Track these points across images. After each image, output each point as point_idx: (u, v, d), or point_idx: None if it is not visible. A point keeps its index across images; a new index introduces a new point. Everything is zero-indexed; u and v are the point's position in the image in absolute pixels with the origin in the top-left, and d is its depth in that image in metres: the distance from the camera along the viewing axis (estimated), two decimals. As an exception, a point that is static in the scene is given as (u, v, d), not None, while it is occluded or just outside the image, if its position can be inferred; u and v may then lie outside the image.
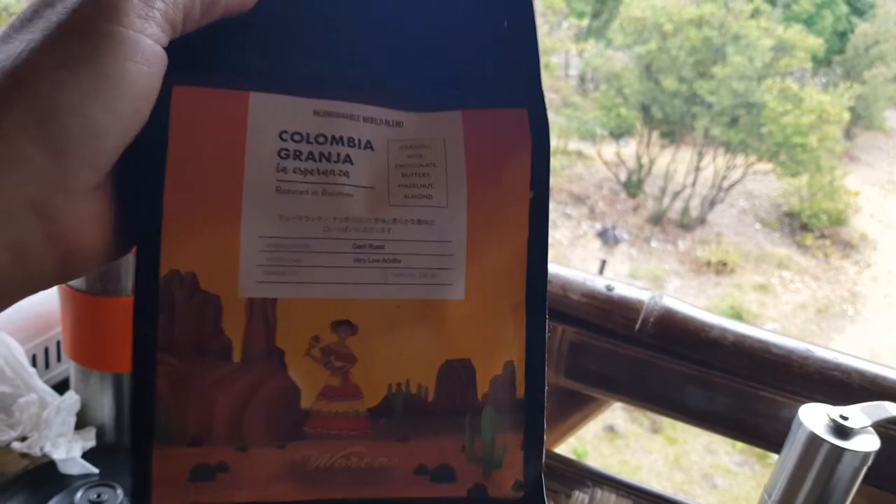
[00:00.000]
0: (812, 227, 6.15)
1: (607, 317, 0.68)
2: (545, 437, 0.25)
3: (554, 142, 7.19)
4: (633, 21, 6.94)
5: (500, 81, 0.26)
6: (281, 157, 0.24)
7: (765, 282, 5.37)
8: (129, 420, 0.23)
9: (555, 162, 6.94)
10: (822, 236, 6.10)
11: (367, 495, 0.24)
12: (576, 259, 5.39)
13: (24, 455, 0.57)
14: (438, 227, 0.25)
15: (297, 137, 0.24)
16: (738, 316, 4.81)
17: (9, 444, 0.57)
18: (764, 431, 0.68)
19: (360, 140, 0.25)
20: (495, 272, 0.25)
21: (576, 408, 0.74)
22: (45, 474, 0.57)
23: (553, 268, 0.70)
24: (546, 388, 0.25)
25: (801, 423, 0.53)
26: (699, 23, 6.61)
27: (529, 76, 0.26)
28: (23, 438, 0.58)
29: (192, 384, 0.23)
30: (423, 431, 0.25)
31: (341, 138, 0.25)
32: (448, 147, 0.25)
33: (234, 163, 0.24)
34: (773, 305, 5.09)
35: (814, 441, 0.51)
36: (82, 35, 0.21)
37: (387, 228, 0.25)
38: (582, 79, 8.35)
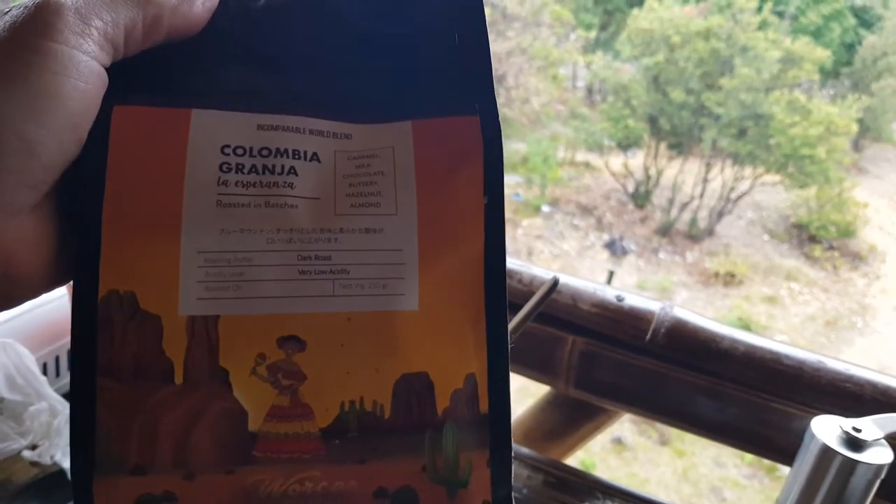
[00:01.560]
0: (820, 239, 6.12)
1: (618, 327, 0.68)
2: (511, 467, 0.24)
3: (561, 153, 7.20)
4: (640, 33, 6.95)
5: (452, 91, 0.25)
6: (222, 171, 0.23)
7: (773, 294, 5.34)
8: (70, 449, 0.22)
9: (562, 173, 6.94)
10: (831, 248, 6.07)
11: None
12: (583, 270, 5.37)
13: (34, 464, 0.57)
14: (387, 236, 0.24)
15: (239, 151, 0.24)
16: (746, 328, 4.77)
17: (19, 452, 0.57)
18: (775, 443, 0.67)
19: (305, 152, 0.24)
20: (451, 281, 0.24)
21: (586, 419, 0.74)
22: (55, 483, 0.57)
23: (563, 278, 0.69)
24: (511, 401, 0.24)
25: (813, 435, 0.53)
26: (707, 35, 6.62)
27: (481, 84, 0.26)
28: (33, 447, 0.58)
29: (133, 409, 0.22)
30: (381, 452, 0.23)
31: (286, 151, 0.24)
32: (397, 156, 0.25)
33: (173, 179, 0.23)
34: (781, 317, 5.06)
35: (826, 453, 0.51)
36: (15, 52, 0.21)
37: (333, 238, 0.24)
38: (589, 90, 8.37)
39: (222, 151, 0.24)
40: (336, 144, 0.25)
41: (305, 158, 0.24)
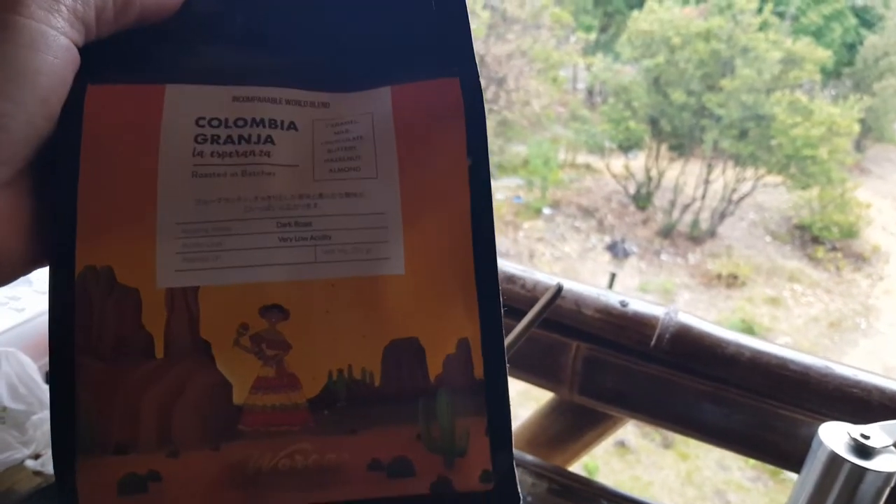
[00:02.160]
0: (823, 240, 6.11)
1: (622, 333, 0.67)
2: (511, 435, 0.23)
3: (562, 155, 7.20)
4: (640, 34, 6.95)
5: (430, 54, 0.25)
6: (198, 143, 0.23)
7: (776, 295, 5.33)
8: (51, 431, 0.21)
9: (563, 175, 6.93)
10: (834, 249, 6.06)
11: (319, 501, 0.22)
12: (585, 272, 5.37)
13: (37, 473, 0.57)
14: (369, 199, 0.23)
15: (214, 123, 0.24)
16: (749, 330, 4.77)
17: (22, 461, 0.57)
18: (782, 450, 0.67)
19: (282, 122, 0.24)
20: (437, 243, 0.23)
21: (590, 425, 0.73)
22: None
23: (566, 283, 0.69)
24: (507, 367, 0.23)
25: (821, 443, 0.52)
26: (707, 36, 6.62)
27: (460, 45, 0.25)
28: (36, 456, 0.57)
29: (113, 386, 0.22)
30: (373, 421, 0.22)
31: (262, 120, 0.24)
32: (376, 121, 0.24)
33: (148, 152, 0.23)
34: (784, 319, 5.05)
35: (835, 461, 0.51)
36: None
37: (313, 204, 0.23)
38: (590, 92, 8.37)
39: (197, 124, 0.23)
40: (314, 113, 0.25)
41: (282, 127, 0.24)
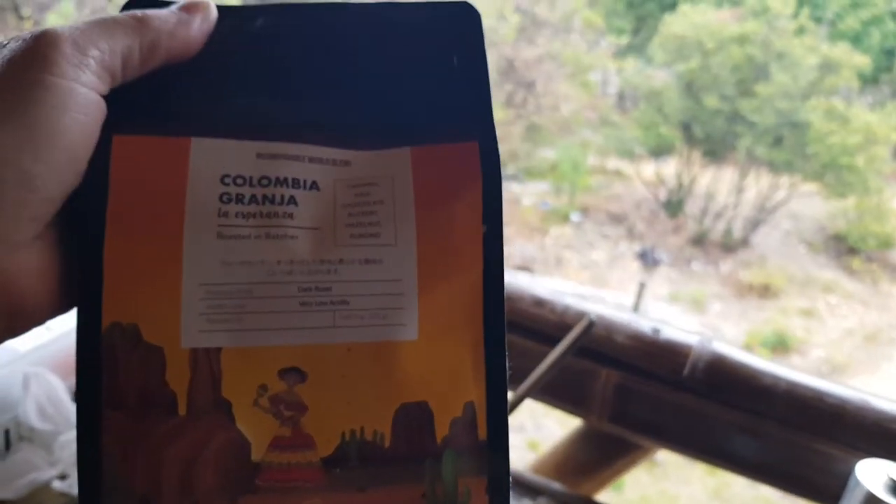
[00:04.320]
0: (859, 251, 5.98)
1: (653, 361, 0.66)
2: (511, 480, 0.24)
3: (592, 160, 7.15)
4: (673, 38, 6.87)
5: (450, 117, 0.26)
6: (223, 202, 0.24)
7: (810, 306, 5.22)
8: (78, 481, 0.22)
9: (592, 181, 6.88)
10: (870, 260, 5.92)
11: None
12: (613, 280, 5.31)
13: (63, 494, 0.57)
14: (387, 266, 0.24)
15: (239, 181, 0.24)
16: (782, 342, 4.69)
17: (49, 482, 0.57)
18: (817, 485, 0.65)
19: (305, 181, 0.25)
20: (450, 310, 0.24)
21: (619, 455, 0.72)
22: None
23: (598, 308, 0.68)
24: (509, 428, 0.24)
25: (858, 481, 0.51)
26: (742, 40, 6.52)
27: (480, 109, 0.26)
28: (62, 477, 0.58)
29: (138, 439, 0.23)
30: (381, 480, 0.24)
31: (286, 180, 0.24)
32: (396, 184, 0.25)
33: (174, 210, 0.23)
34: (818, 331, 4.95)
35: (872, 502, 0.49)
36: (14, 87, 0.21)
37: (333, 269, 0.24)
38: (621, 97, 8.30)
39: (222, 181, 0.24)
40: (335, 172, 0.25)
41: (305, 187, 0.25)
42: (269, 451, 0.23)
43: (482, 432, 0.24)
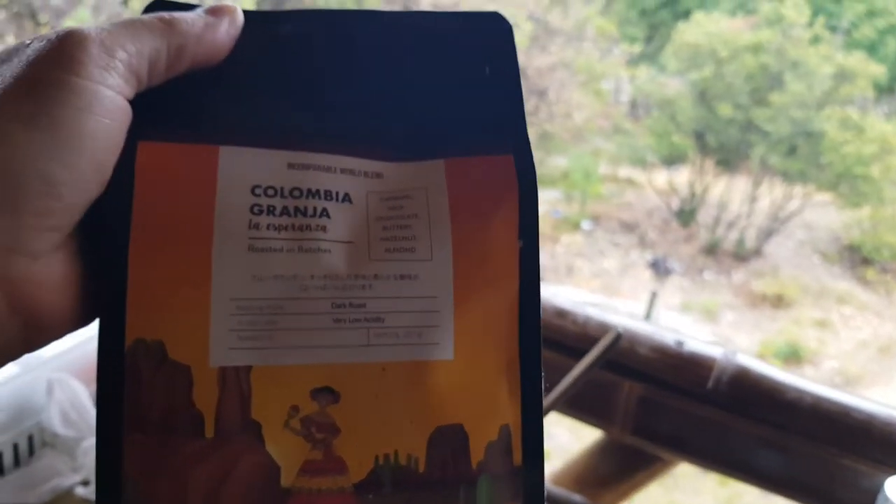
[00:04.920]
0: (874, 261, 5.93)
1: (677, 374, 0.65)
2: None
3: (604, 168, 7.13)
4: (687, 47, 6.85)
5: (484, 128, 0.25)
6: (253, 213, 0.23)
7: (824, 317, 5.18)
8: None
9: (604, 189, 6.86)
10: (885, 271, 5.87)
11: None
12: (625, 289, 5.29)
13: (85, 500, 0.57)
14: (422, 282, 0.23)
15: (270, 192, 0.23)
16: (795, 353, 4.65)
17: (71, 488, 0.57)
18: (844, 502, 0.64)
19: (337, 193, 0.24)
20: (485, 328, 0.23)
21: (641, 467, 0.71)
22: (106, 521, 0.57)
23: (621, 320, 0.67)
24: (545, 452, 0.24)
25: (887, 498, 0.50)
26: (756, 49, 6.49)
27: (514, 121, 0.25)
28: (85, 483, 0.58)
29: (162, 463, 0.21)
30: None
31: (318, 191, 0.24)
32: (430, 197, 0.24)
33: (202, 221, 0.22)
34: (832, 342, 4.91)
35: (905, 522, 0.48)
36: (38, 88, 0.20)
37: (368, 285, 0.23)
38: (633, 105, 8.28)
39: (253, 192, 0.23)
40: (368, 184, 0.24)
41: (337, 199, 0.24)
42: (299, 475, 0.22)
43: (517, 457, 0.23)
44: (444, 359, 0.23)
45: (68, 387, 0.60)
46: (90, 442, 0.59)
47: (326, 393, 0.22)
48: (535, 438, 0.23)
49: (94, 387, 0.63)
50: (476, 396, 0.23)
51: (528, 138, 0.25)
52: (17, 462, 0.59)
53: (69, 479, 0.58)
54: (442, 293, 0.23)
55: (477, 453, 0.23)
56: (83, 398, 0.60)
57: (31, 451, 0.60)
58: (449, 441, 0.23)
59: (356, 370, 0.23)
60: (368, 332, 0.23)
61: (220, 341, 0.22)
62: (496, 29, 0.26)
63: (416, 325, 0.23)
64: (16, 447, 0.59)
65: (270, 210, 0.23)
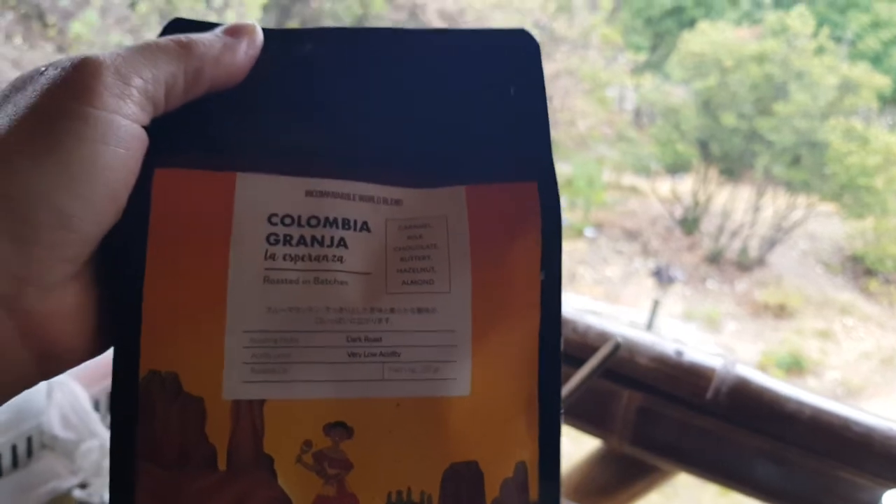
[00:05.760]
0: (877, 272, 5.92)
1: (676, 384, 0.65)
2: None
3: (607, 176, 7.13)
4: (691, 56, 6.86)
5: (508, 154, 0.24)
6: (270, 243, 0.22)
7: (826, 328, 5.17)
8: None
9: (607, 196, 6.86)
10: (888, 282, 5.86)
11: None
12: (627, 297, 5.28)
13: (83, 503, 0.57)
14: (440, 316, 0.23)
15: (287, 221, 0.23)
16: (797, 363, 4.63)
17: (69, 491, 0.57)
18: (843, 515, 0.64)
19: (355, 221, 0.23)
20: (504, 363, 0.23)
21: (638, 477, 0.71)
22: (103, 524, 0.57)
23: (620, 328, 0.67)
24: (561, 488, 0.23)
25: (887, 513, 0.50)
26: (761, 59, 6.50)
27: (539, 147, 0.24)
28: (83, 485, 0.58)
29: (174, 496, 0.21)
30: None
31: (335, 220, 0.23)
32: (450, 226, 0.23)
33: (218, 251, 0.22)
34: (834, 353, 4.89)
35: (903, 536, 0.48)
36: (52, 118, 0.20)
37: (384, 319, 0.23)
38: (638, 113, 8.28)
39: (269, 221, 0.23)
40: (387, 212, 0.24)
41: (355, 228, 0.23)
42: None
43: (533, 494, 0.23)
44: (461, 395, 0.23)
45: (68, 390, 0.60)
46: (89, 445, 0.59)
47: (340, 428, 0.22)
48: (552, 474, 0.23)
49: (94, 389, 0.63)
50: (492, 433, 0.23)
51: (553, 164, 0.24)
52: (15, 464, 0.59)
53: (67, 482, 0.58)
54: (460, 327, 0.23)
55: (492, 490, 0.23)
56: (83, 401, 0.60)
57: (30, 454, 0.60)
58: (463, 478, 0.22)
59: (370, 405, 0.22)
60: (384, 366, 0.22)
61: (233, 374, 0.22)
62: (523, 47, 0.25)
63: (433, 360, 0.23)
64: (14, 449, 0.59)
65: (287, 240, 0.23)
